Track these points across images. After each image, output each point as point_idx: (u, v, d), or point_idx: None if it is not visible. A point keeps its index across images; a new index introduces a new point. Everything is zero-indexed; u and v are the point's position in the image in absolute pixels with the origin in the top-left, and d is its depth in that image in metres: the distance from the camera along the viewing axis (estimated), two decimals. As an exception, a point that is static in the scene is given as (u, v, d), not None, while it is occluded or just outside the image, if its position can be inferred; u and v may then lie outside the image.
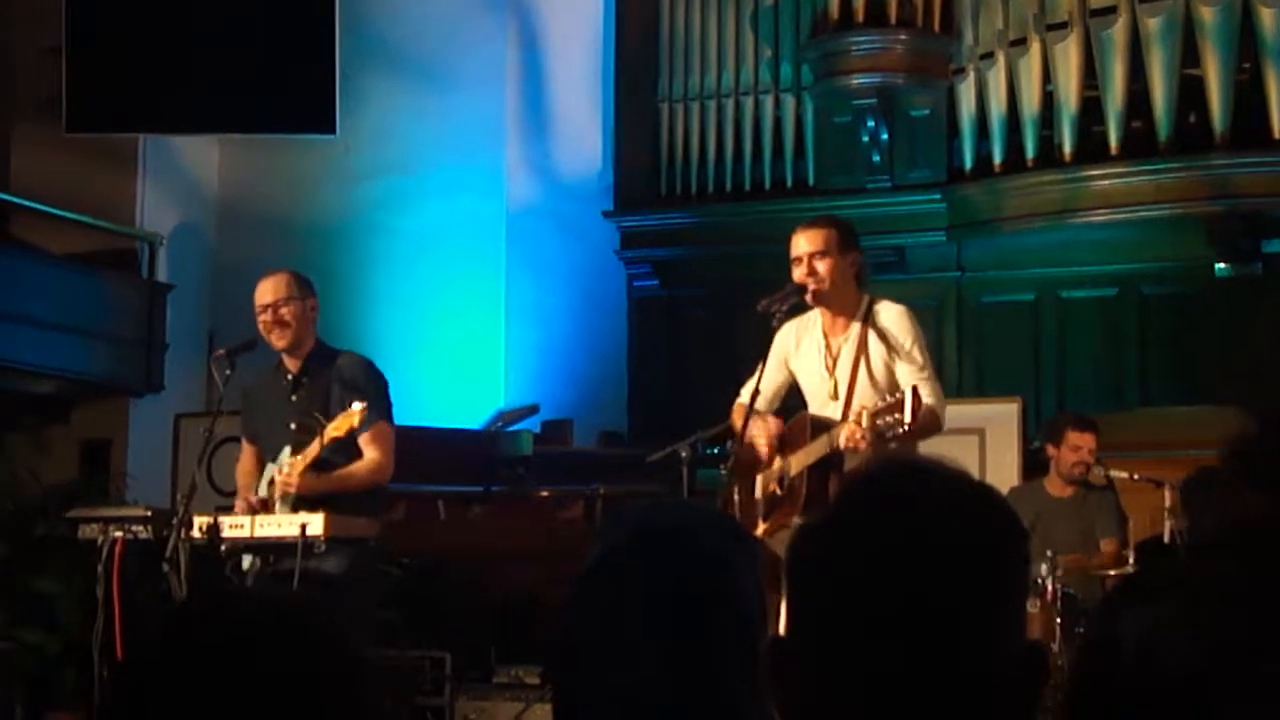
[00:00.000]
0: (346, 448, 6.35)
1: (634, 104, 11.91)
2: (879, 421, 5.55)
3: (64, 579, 8.54)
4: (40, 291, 10.07)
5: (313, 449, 6.24)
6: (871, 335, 5.98)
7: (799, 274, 5.95)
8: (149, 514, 6.49)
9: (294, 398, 6.51)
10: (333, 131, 10.58)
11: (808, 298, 5.97)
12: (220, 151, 11.76)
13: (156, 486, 9.63)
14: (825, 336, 6.06)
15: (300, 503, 6.28)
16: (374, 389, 6.45)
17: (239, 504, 6.56)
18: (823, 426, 5.91)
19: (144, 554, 6.47)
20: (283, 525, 6.22)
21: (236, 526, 6.28)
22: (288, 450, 6.41)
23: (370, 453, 6.39)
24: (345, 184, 11.29)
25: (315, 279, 10.40)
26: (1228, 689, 1.00)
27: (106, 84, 10.43)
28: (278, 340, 6.52)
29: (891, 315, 6.00)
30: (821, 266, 5.94)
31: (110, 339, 10.65)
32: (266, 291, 6.53)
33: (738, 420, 6.14)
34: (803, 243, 5.98)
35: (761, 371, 6.10)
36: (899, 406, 5.51)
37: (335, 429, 6.17)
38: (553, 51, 11.75)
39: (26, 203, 10.44)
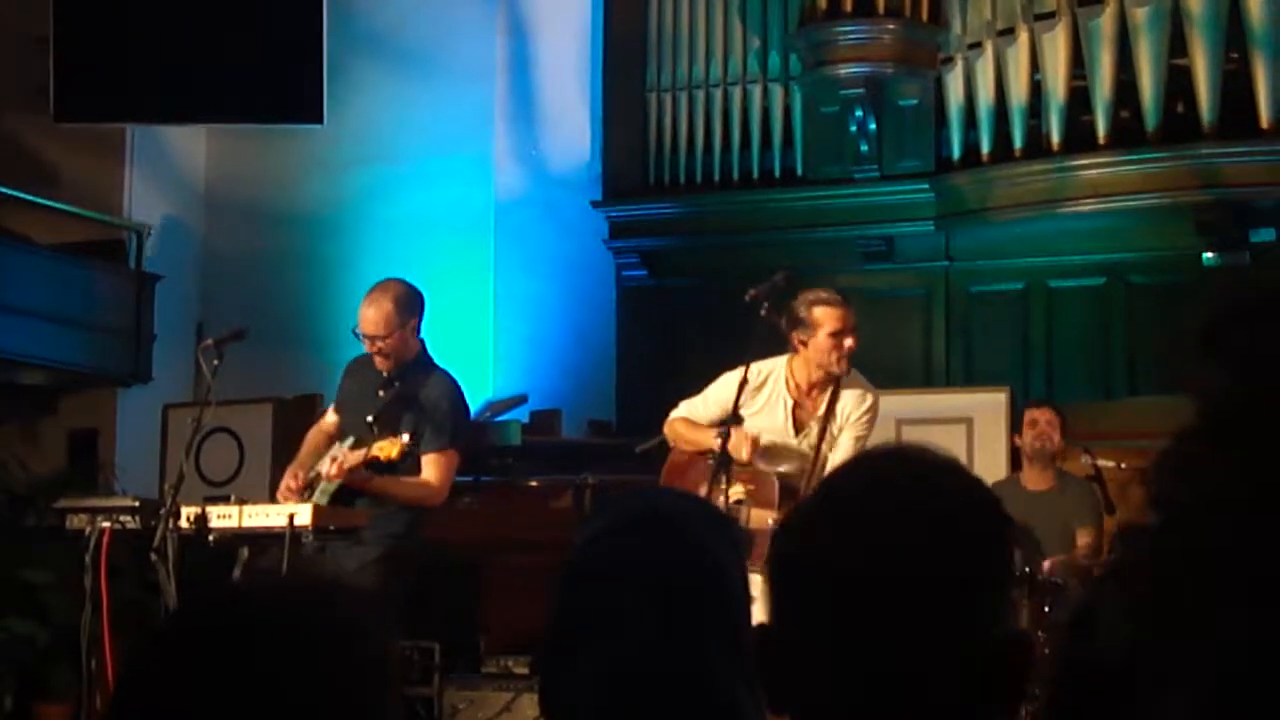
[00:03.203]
0: (409, 460, 6.37)
1: (622, 94, 11.90)
2: None
3: (53, 570, 8.53)
4: (28, 282, 10.05)
5: (354, 457, 6.28)
6: (837, 406, 6.33)
7: (844, 350, 6.26)
8: (137, 504, 6.47)
9: (381, 393, 6.54)
10: (321, 122, 10.56)
11: (838, 370, 6.27)
12: (208, 141, 11.75)
13: (145, 477, 9.62)
14: (796, 395, 6.36)
15: (340, 495, 6.32)
16: (449, 416, 6.48)
17: (286, 479, 6.56)
18: (790, 491, 6.20)
19: (132, 544, 6.46)
20: (270, 515, 6.23)
21: (224, 517, 6.29)
22: (350, 441, 6.45)
23: (427, 473, 6.42)
24: (333, 174, 11.27)
25: (303, 269, 10.36)
26: (1148, 674, 1.00)
27: (95, 74, 10.40)
28: (380, 365, 6.55)
29: (862, 407, 6.35)
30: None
31: (98, 329, 10.64)
32: (369, 322, 6.47)
33: (693, 425, 6.45)
34: (852, 320, 6.33)
35: (705, 405, 6.47)
36: None
37: (381, 449, 6.20)
38: (541, 41, 11.74)
39: (14, 192, 10.42)
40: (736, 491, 6.24)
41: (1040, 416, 7.73)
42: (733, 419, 6.27)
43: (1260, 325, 1.02)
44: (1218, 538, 0.96)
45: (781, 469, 6.32)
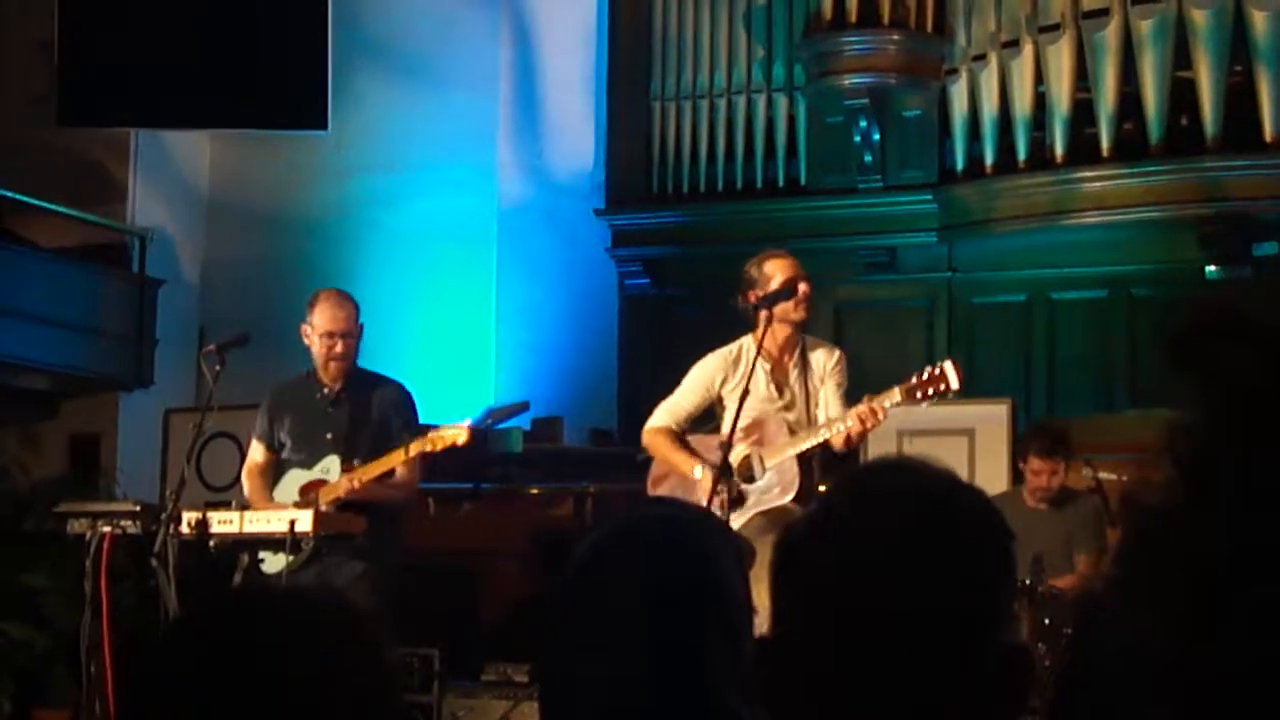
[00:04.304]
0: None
1: (626, 102, 11.91)
2: (918, 394, 6.06)
3: (53, 574, 8.52)
4: (31, 286, 10.06)
5: (394, 458, 6.32)
6: (810, 360, 6.49)
7: (800, 295, 6.36)
8: (138, 509, 6.48)
9: (331, 410, 6.54)
10: (324, 128, 10.57)
11: (797, 316, 6.40)
12: (212, 147, 11.76)
13: (146, 482, 9.63)
14: (772, 358, 6.45)
15: (346, 507, 6.34)
16: (413, 416, 6.61)
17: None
18: (794, 436, 6.35)
19: (133, 549, 6.46)
20: (271, 521, 6.23)
21: (225, 522, 6.29)
22: (336, 460, 6.45)
23: (402, 474, 6.48)
24: (337, 180, 11.28)
25: (305, 275, 10.42)
26: (1143, 686, 1.00)
27: (98, 78, 10.41)
28: (333, 370, 6.55)
29: (834, 358, 6.52)
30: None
31: (101, 334, 10.64)
32: (342, 320, 6.54)
33: (672, 443, 6.50)
34: (801, 269, 6.47)
35: (684, 395, 6.55)
36: (942, 378, 6.04)
37: (434, 441, 6.26)
38: (545, 49, 11.75)
39: (17, 196, 10.42)
40: (738, 453, 6.27)
41: (1044, 469, 7.39)
42: (717, 399, 6.40)
43: (1221, 343, 1.03)
44: (1205, 547, 0.97)
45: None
